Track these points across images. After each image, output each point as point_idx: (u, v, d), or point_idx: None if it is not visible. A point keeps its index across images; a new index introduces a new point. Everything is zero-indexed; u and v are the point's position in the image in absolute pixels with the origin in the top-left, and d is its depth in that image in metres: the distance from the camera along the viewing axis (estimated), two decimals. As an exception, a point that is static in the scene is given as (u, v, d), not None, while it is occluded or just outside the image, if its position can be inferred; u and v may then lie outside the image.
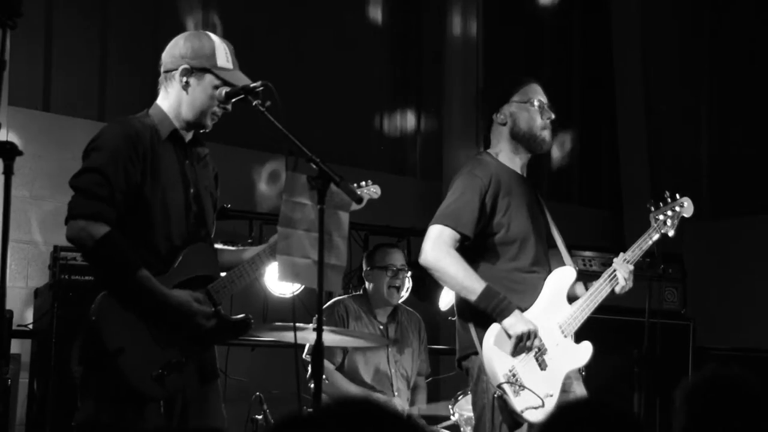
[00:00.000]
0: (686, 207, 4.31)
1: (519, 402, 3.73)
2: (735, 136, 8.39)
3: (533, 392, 3.74)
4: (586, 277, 4.26)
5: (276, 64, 6.79)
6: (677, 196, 4.32)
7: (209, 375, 3.51)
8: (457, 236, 3.85)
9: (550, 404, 3.79)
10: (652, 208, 4.28)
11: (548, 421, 1.74)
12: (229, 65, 3.44)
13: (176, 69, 3.42)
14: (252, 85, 3.36)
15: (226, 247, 3.72)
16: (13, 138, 2.93)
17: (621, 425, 1.72)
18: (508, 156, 4.06)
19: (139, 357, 3.25)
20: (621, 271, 4.08)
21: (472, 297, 3.80)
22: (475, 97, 7.43)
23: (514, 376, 3.77)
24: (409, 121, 7.91)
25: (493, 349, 3.78)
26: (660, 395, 5.26)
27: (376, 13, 7.75)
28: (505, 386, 3.73)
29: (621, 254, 4.16)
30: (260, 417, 4.83)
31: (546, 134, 4.05)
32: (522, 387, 3.74)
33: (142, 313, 3.28)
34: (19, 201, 5.61)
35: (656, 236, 4.23)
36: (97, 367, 3.27)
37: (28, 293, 5.67)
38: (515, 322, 3.78)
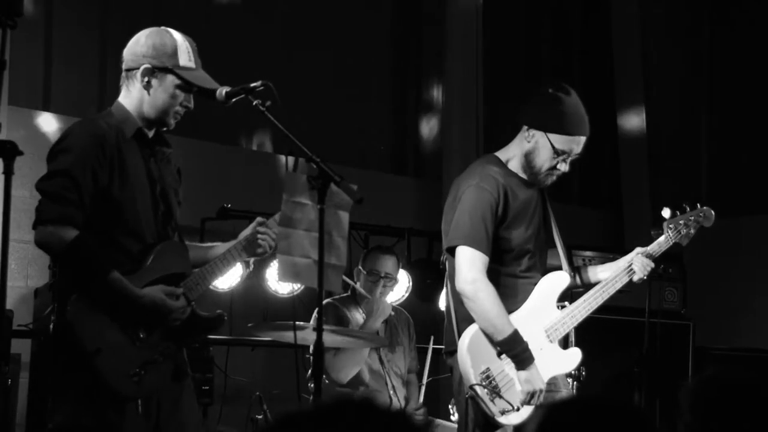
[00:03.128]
0: (707, 217, 4.16)
1: (492, 404, 3.73)
2: (735, 136, 8.39)
3: (504, 398, 3.74)
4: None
5: (276, 64, 6.79)
6: (698, 205, 4.18)
7: (182, 373, 3.50)
8: (486, 259, 3.81)
9: (528, 408, 3.77)
10: (667, 217, 4.14)
11: (547, 416, 1.73)
12: (192, 64, 3.42)
13: (138, 68, 3.40)
14: (252, 84, 3.35)
15: (194, 243, 3.71)
16: (13, 138, 2.92)
17: (629, 421, 1.71)
18: (518, 164, 3.99)
19: (116, 357, 3.24)
20: (639, 265, 4.04)
21: (498, 337, 3.78)
22: (475, 96, 7.43)
23: (488, 378, 3.76)
24: (409, 121, 7.91)
25: (468, 350, 3.78)
26: (660, 395, 5.26)
27: (376, 14, 7.75)
28: (477, 388, 3.72)
29: (638, 248, 4.11)
30: (260, 417, 4.83)
31: (547, 180, 3.99)
32: (496, 390, 3.74)
33: (116, 314, 3.26)
34: (19, 201, 5.58)
35: (670, 244, 4.11)
36: (74, 368, 3.25)
37: (28, 293, 5.67)
38: (531, 378, 3.78)
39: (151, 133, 3.48)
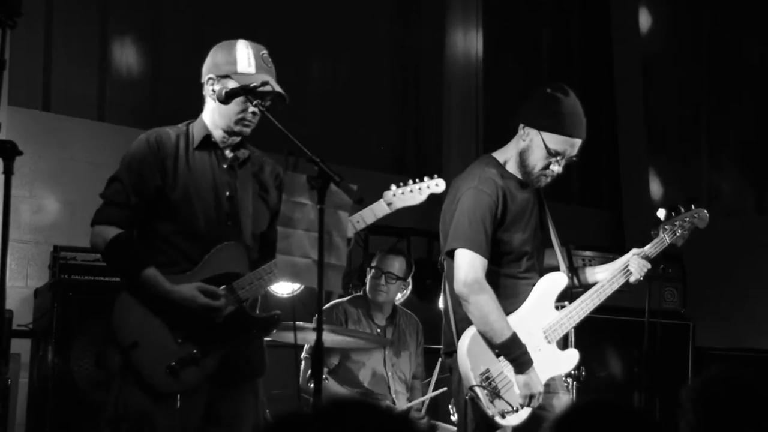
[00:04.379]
0: (701, 218, 4.16)
1: (491, 406, 3.73)
2: (735, 136, 8.39)
3: (504, 399, 3.74)
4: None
5: (276, 64, 6.78)
6: (692, 206, 4.17)
7: (246, 374, 3.53)
8: (485, 262, 3.81)
9: (527, 410, 3.78)
10: (662, 218, 4.13)
11: (562, 420, 1.74)
12: (251, 69, 3.47)
13: (205, 80, 3.53)
14: (252, 84, 3.37)
15: None
16: (13, 138, 2.93)
17: (639, 425, 1.72)
18: (514, 165, 3.98)
19: (153, 351, 3.33)
20: (635, 266, 4.04)
21: (497, 340, 3.78)
22: (475, 96, 7.43)
23: (487, 379, 3.76)
24: (409, 121, 7.91)
25: (468, 352, 3.77)
26: (660, 395, 5.26)
27: (376, 14, 7.75)
28: (477, 389, 3.72)
29: (634, 249, 4.10)
30: (260, 417, 4.83)
31: (542, 181, 3.96)
32: (495, 391, 3.74)
33: (159, 310, 3.36)
34: (19, 201, 5.61)
35: (665, 246, 4.11)
36: (116, 362, 3.39)
37: (28, 293, 5.67)
38: (530, 382, 3.78)
39: (232, 141, 3.55)
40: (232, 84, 3.43)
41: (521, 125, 3.94)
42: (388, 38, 7.83)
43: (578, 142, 3.93)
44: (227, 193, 3.51)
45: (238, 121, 3.48)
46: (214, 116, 3.52)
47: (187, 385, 3.35)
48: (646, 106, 8.43)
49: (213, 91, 3.48)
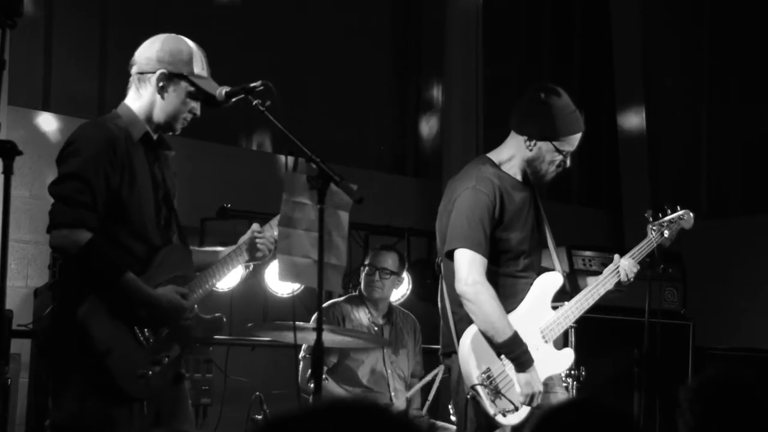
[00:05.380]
0: (686, 219, 4.27)
1: (492, 405, 3.75)
2: (735, 136, 8.39)
3: (506, 398, 3.76)
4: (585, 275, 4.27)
5: (275, 64, 6.79)
6: (678, 207, 4.28)
7: (180, 376, 3.54)
8: (485, 261, 3.82)
9: (526, 409, 3.79)
10: (650, 219, 4.24)
11: (540, 421, 1.74)
12: (204, 73, 3.47)
13: (153, 72, 3.42)
14: (252, 84, 3.36)
15: (196, 248, 3.75)
16: (13, 138, 2.93)
17: (616, 424, 1.72)
18: (514, 167, 4.00)
19: (125, 357, 3.27)
20: (624, 267, 4.08)
21: (498, 339, 3.79)
22: (475, 96, 7.43)
23: (488, 378, 3.78)
24: (409, 121, 7.91)
25: (469, 351, 3.78)
26: (660, 395, 5.26)
27: (376, 13, 7.75)
28: (479, 388, 3.74)
29: (618, 256, 4.16)
30: (260, 417, 4.83)
31: (549, 179, 4.04)
32: (497, 390, 3.75)
33: (125, 315, 3.30)
34: (19, 201, 5.61)
35: (653, 246, 4.20)
36: (82, 367, 3.26)
37: (28, 293, 5.67)
38: (531, 380, 3.80)
39: (155, 137, 3.50)
40: (185, 84, 3.40)
41: (525, 138, 3.96)
42: (388, 37, 7.83)
43: (579, 135, 4.00)
44: (160, 192, 3.47)
45: (181, 119, 3.45)
46: (151, 110, 3.43)
47: (155, 390, 3.35)
48: (646, 106, 8.42)
49: (163, 87, 3.40)
